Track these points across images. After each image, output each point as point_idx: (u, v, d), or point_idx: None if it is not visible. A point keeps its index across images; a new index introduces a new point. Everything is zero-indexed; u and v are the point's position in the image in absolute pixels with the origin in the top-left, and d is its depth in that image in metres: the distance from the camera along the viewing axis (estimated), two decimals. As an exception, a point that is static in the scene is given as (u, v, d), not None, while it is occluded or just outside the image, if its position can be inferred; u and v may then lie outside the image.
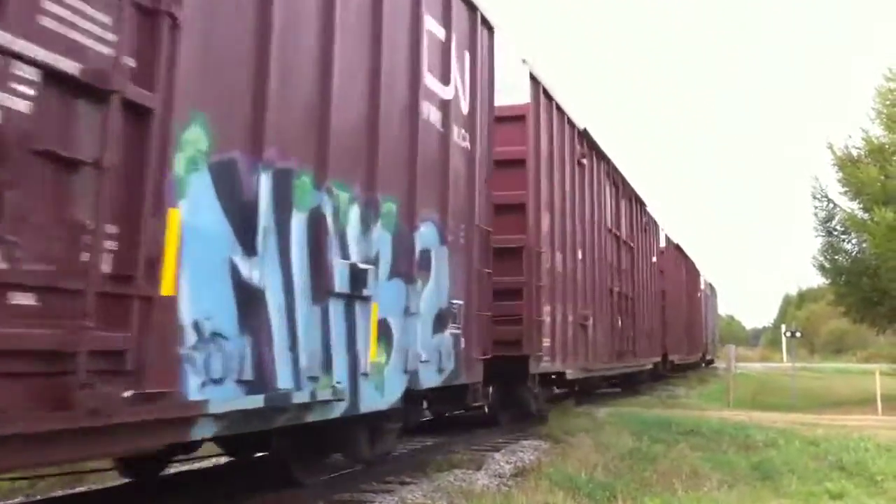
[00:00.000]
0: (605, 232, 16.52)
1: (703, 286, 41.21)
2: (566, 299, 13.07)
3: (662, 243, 27.24)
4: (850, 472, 9.52)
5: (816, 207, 27.77)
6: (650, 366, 23.54)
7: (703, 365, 44.64)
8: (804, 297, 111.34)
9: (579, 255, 14.01)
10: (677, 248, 31.72)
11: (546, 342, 11.83)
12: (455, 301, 8.24)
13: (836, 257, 27.67)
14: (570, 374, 13.15)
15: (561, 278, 12.88)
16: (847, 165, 26.15)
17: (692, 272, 37.52)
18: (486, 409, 12.56)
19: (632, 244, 20.32)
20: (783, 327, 41.05)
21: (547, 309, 11.97)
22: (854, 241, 27.48)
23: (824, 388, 29.82)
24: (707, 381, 33.10)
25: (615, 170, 18.04)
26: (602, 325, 15.93)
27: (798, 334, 32.91)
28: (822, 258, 27.88)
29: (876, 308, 26.13)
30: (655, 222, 24.96)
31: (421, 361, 7.34)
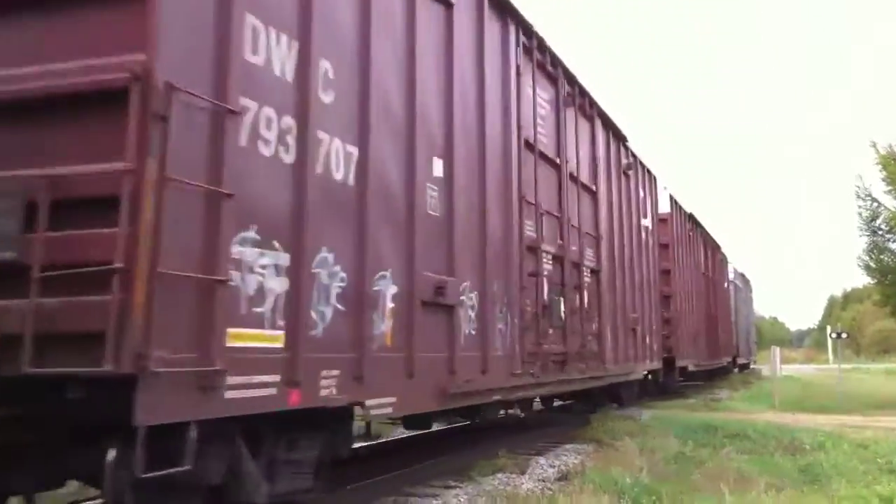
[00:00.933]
0: (700, 275, 26.12)
1: (731, 275, 34.95)
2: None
3: (664, 207, 21.40)
4: (900, 475, 9.35)
5: (860, 207, 27.32)
6: (631, 376, 15.29)
7: (735, 370, 37.69)
8: (849, 298, 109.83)
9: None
10: (691, 219, 25.48)
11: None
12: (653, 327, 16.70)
13: (882, 257, 27.18)
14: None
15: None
16: (891, 164, 25.74)
17: (715, 255, 30.86)
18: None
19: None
20: (829, 329, 40.31)
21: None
22: (900, 240, 27.01)
23: (872, 390, 29.29)
24: (750, 384, 32.67)
25: (705, 232, 27.67)
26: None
27: (844, 336, 32.35)
28: (867, 258, 27.42)
29: (924, 309, 25.70)
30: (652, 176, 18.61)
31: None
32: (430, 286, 6.76)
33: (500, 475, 8.67)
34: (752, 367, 47.27)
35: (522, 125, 9.50)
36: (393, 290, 6.22)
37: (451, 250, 7.29)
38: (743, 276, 41.42)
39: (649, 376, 18.14)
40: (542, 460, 9.99)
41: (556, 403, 16.49)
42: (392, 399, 6.13)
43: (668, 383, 21.47)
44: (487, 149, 8.36)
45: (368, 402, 5.79)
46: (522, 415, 14.10)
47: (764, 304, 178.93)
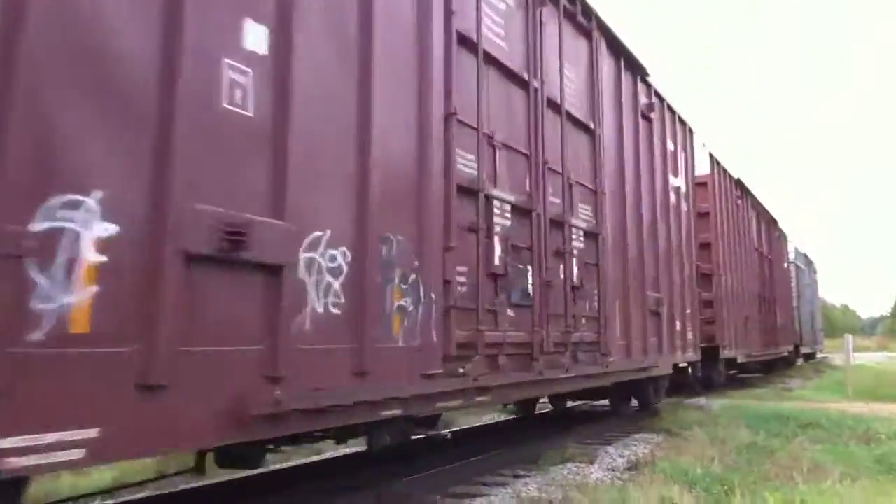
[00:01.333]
0: (753, 250, 22.73)
1: (791, 254, 30.27)
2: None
3: (703, 168, 17.36)
4: (982, 465, 9.10)
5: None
6: (653, 371, 11.88)
7: (800, 359, 32.66)
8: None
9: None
10: (738, 185, 21.16)
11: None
12: (687, 311, 13.42)
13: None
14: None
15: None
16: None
17: (770, 230, 26.69)
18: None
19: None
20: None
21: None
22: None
23: (951, 378, 28.50)
24: (822, 373, 32.05)
25: (757, 202, 24.06)
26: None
27: (919, 321, 31.56)
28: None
29: None
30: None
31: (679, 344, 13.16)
32: (211, 229, 3.82)
33: (569, 465, 8.57)
34: (818, 356, 42.84)
35: (454, 10, 6.46)
36: (109, 229, 3.37)
37: (281, 175, 4.36)
38: (806, 256, 35.15)
39: (689, 369, 15.32)
40: (611, 450, 9.91)
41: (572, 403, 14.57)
42: (86, 434, 3.22)
43: (710, 377, 17.85)
44: (376, 23, 5.32)
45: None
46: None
47: (833, 292, 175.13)
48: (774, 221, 27.91)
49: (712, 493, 7.21)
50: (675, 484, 7.31)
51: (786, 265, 28.51)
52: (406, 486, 7.14)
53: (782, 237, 30.02)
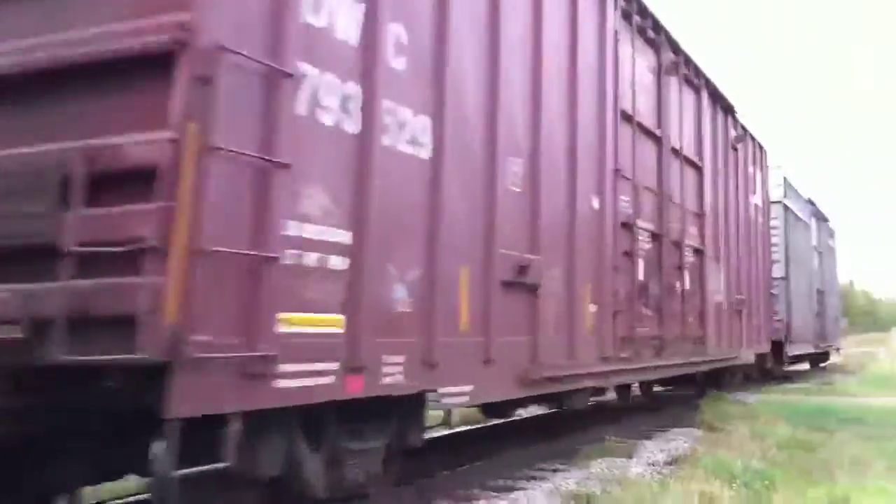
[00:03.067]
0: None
1: (774, 190, 20.44)
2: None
3: (776, 190, 20.88)
4: None
5: None
6: (737, 360, 14.71)
7: (783, 365, 21.89)
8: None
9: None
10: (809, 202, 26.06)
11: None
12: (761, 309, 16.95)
13: None
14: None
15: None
16: None
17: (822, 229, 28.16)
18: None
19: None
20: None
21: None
22: None
23: None
24: (866, 366, 31.63)
25: (824, 217, 29.35)
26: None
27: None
28: None
29: None
30: None
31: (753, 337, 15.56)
32: (510, 265, 6.55)
33: (607, 459, 8.64)
34: (833, 357, 32.78)
35: (619, 94, 9.16)
36: (469, 270, 6.03)
37: (536, 228, 7.05)
38: (813, 205, 26.77)
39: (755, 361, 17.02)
40: (649, 444, 9.91)
41: (656, 389, 16.09)
42: (468, 387, 5.99)
43: (775, 369, 20.97)
44: (579, 122, 8.01)
45: (442, 390, 5.65)
46: (618, 400, 14.01)
47: (883, 283, 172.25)
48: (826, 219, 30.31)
49: (753, 488, 7.17)
50: (715, 479, 7.28)
51: (756, 203, 17.16)
52: (445, 480, 7.17)
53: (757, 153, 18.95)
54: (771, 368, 20.35)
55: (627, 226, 9.24)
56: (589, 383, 8.26)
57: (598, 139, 8.53)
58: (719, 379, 15.20)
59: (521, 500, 6.64)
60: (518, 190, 6.80)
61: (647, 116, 10.14)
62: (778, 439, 10.04)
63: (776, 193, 20.78)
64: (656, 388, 16.15)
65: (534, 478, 7.74)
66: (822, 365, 30.38)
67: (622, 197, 9.05)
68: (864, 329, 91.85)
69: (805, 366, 27.86)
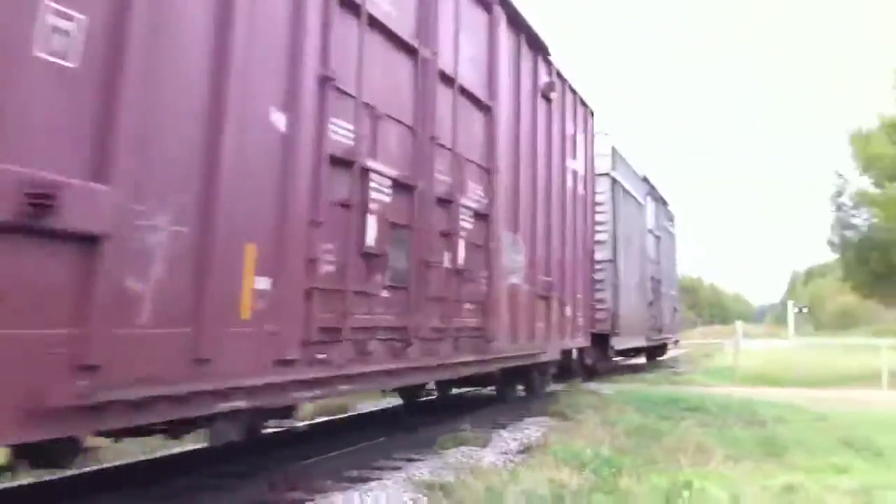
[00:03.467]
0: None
1: (582, 160, 14.70)
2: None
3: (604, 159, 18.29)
4: (856, 447, 9.53)
5: (830, 183, 27.49)
6: (541, 357, 12.02)
7: (608, 360, 19.69)
8: (812, 274, 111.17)
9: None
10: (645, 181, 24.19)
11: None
12: (579, 295, 14.03)
13: (846, 232, 27.68)
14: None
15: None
16: (859, 141, 26.21)
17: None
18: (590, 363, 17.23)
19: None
20: (790, 304, 40.65)
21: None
22: (864, 216, 27.52)
23: (831, 364, 29.74)
24: (712, 357, 33.09)
25: (662, 200, 27.42)
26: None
27: (805, 310, 32.82)
28: (832, 233, 27.77)
29: (885, 283, 26.16)
30: None
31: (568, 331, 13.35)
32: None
33: (462, 448, 8.72)
34: (672, 349, 32.40)
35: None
36: None
37: (107, 125, 3.93)
38: (648, 183, 24.78)
39: (575, 355, 14.97)
40: (504, 434, 10.07)
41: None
42: None
43: (599, 365, 18.52)
44: None
45: None
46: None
47: (730, 281, 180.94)
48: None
49: (601, 475, 7.36)
50: (565, 466, 7.45)
51: (576, 170, 14.14)
52: (299, 471, 7.08)
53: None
54: (593, 365, 17.67)
55: (346, 164, 6.31)
56: (240, 404, 5.00)
57: (287, 22, 5.61)
58: (528, 378, 13.21)
59: (374, 491, 6.60)
60: (70, 65, 3.75)
61: (395, 19, 7.25)
62: (627, 427, 10.36)
63: (603, 164, 17.77)
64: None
65: (388, 468, 7.74)
66: (659, 359, 29.02)
67: (337, 120, 6.20)
68: (711, 321, 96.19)
69: (641, 360, 27.23)
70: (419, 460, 8.14)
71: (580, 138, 14.09)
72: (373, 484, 6.90)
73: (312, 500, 6.36)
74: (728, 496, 6.44)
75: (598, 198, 17.06)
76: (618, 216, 18.87)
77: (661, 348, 28.79)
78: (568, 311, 13.12)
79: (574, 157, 13.59)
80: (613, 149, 19.12)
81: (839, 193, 27.59)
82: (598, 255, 16.75)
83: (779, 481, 7.05)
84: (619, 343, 18.67)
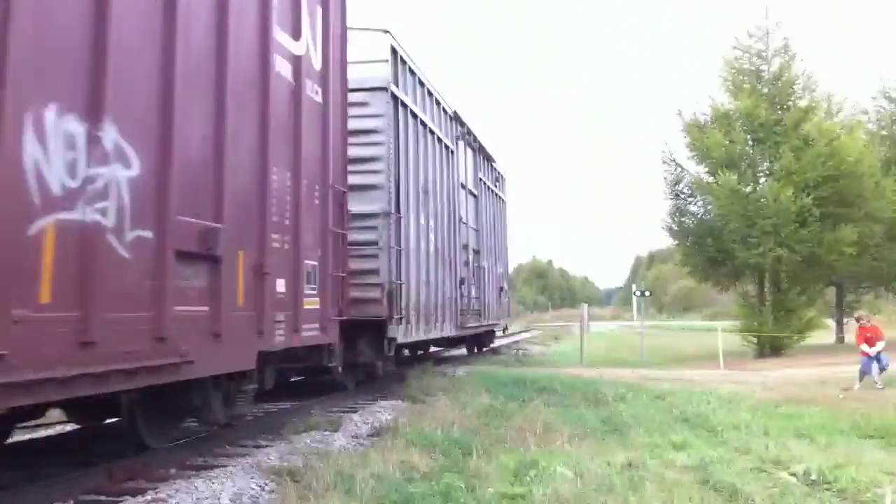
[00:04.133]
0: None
1: (308, 42, 8.92)
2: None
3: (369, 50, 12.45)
4: (693, 424, 9.96)
5: (666, 171, 28.74)
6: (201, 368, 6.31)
7: (383, 361, 13.13)
8: (654, 259, 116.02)
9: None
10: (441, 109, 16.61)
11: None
12: (309, 261, 8.78)
13: (683, 219, 28.83)
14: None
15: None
16: (694, 131, 27.32)
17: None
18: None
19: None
20: (633, 287, 42.14)
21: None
22: (700, 203, 28.78)
23: (671, 345, 31.15)
24: (562, 339, 34.03)
25: (484, 152, 21.62)
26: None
27: (648, 294, 34.09)
28: (670, 220, 28.92)
29: (719, 268, 27.42)
30: None
31: (275, 321, 7.78)
32: None
33: (313, 433, 8.65)
34: (502, 336, 29.76)
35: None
36: None
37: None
38: (464, 127, 19.10)
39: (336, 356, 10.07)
40: (355, 417, 10.04)
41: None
42: None
43: (371, 367, 12.99)
44: None
45: None
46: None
47: (576, 265, 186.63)
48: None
49: (451, 456, 7.44)
50: (415, 448, 7.49)
51: (289, 52, 8.60)
52: (139, 461, 6.84)
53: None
54: (372, 366, 12.79)
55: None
56: None
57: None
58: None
59: (219, 478, 6.44)
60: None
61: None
62: (477, 408, 10.50)
63: (377, 73, 12.63)
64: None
65: (235, 455, 7.57)
66: (483, 350, 24.67)
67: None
68: (561, 305, 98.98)
69: (460, 351, 23.86)
70: (267, 446, 8.00)
71: (310, 6, 9.07)
72: (218, 471, 6.74)
73: (155, 488, 6.15)
74: (572, 473, 6.60)
75: (368, 122, 12.29)
76: (404, 154, 13.38)
77: (484, 337, 24.21)
78: (279, 285, 7.99)
79: (293, 31, 8.55)
80: (395, 52, 13.15)
81: (677, 181, 28.74)
82: (363, 205, 11.91)
83: (621, 458, 7.30)
84: (403, 333, 12.88)
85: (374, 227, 12.20)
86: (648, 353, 24.90)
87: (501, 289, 24.47)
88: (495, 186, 23.87)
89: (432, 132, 15.54)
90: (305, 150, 8.64)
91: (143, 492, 6.07)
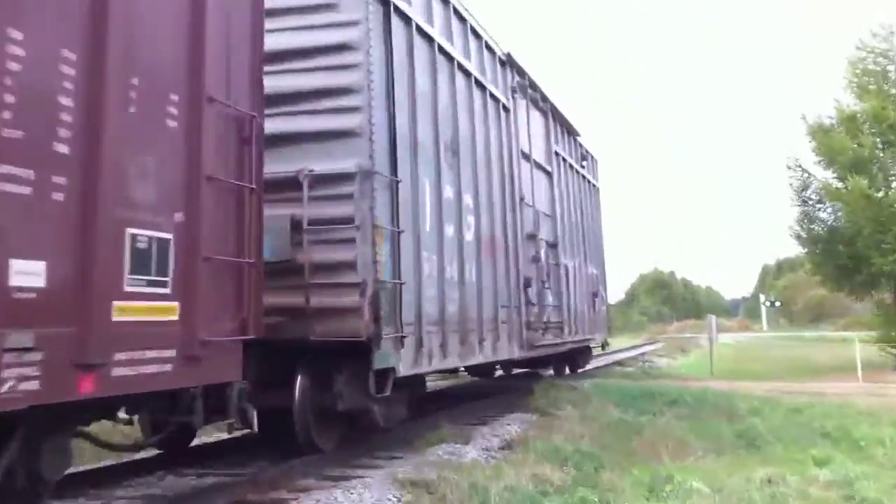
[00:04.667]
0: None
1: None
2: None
3: None
4: (834, 439, 9.63)
5: (791, 177, 27.86)
6: None
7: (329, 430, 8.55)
8: (782, 267, 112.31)
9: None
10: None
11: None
12: (143, 230, 4.92)
13: (812, 226, 27.84)
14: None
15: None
16: (820, 135, 26.40)
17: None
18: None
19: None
20: (762, 297, 40.91)
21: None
22: (829, 209, 27.72)
23: (805, 357, 30.10)
24: (689, 352, 33.35)
25: (560, 118, 16.66)
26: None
27: (777, 304, 33.10)
28: (798, 228, 28.00)
29: (853, 276, 26.34)
30: None
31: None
32: None
33: (444, 445, 8.72)
34: (597, 358, 23.48)
35: None
36: None
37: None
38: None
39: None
40: (485, 430, 10.09)
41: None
42: None
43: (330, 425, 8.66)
44: None
45: None
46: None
47: (701, 275, 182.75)
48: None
49: (583, 469, 7.41)
50: (547, 462, 7.49)
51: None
52: (281, 471, 7.06)
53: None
54: (334, 420, 8.32)
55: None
56: None
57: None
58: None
59: (357, 489, 6.59)
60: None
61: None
62: (606, 422, 10.42)
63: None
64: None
65: (370, 466, 7.73)
66: (577, 371, 20.05)
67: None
68: (685, 315, 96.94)
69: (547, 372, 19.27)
70: (401, 458, 8.13)
71: None
72: (355, 482, 6.89)
73: (297, 498, 6.35)
74: (709, 489, 6.49)
75: (334, 34, 8.21)
76: (406, 88, 8.94)
77: (577, 355, 19.21)
78: (22, 272, 4.01)
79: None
80: None
81: (804, 187, 27.78)
82: (329, 162, 7.85)
83: (760, 473, 7.11)
84: (411, 360, 8.39)
85: (349, 197, 7.73)
86: (781, 366, 24.15)
87: (595, 294, 19.01)
88: (580, 166, 18.72)
89: (467, 73, 11.07)
90: (127, 23, 4.79)
91: (285, 502, 6.29)
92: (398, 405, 8.79)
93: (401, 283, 8.14)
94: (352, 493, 6.48)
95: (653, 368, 23.92)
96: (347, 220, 7.66)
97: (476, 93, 11.32)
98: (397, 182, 8.32)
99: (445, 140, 9.92)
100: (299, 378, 7.80)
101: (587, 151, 19.77)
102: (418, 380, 9.59)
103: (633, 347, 31.04)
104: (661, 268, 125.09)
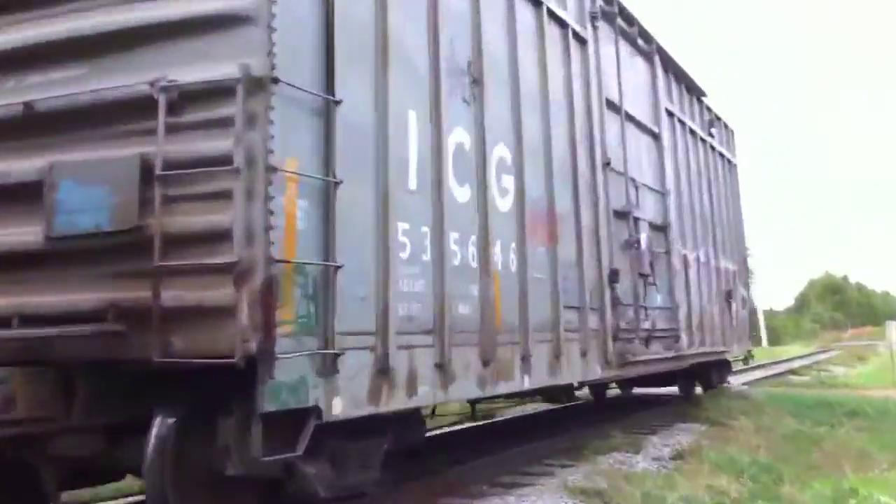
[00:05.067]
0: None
1: None
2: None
3: None
4: None
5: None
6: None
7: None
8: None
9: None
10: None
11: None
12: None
13: None
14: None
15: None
16: None
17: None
18: None
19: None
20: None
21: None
22: None
23: None
24: (866, 360, 31.73)
25: (674, 67, 12.62)
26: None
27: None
28: None
29: None
30: None
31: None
32: None
33: (614, 454, 8.67)
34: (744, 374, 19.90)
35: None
36: None
37: None
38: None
39: None
40: (655, 439, 9.96)
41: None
42: None
43: None
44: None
45: None
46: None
47: (875, 278, 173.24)
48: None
49: (760, 481, 7.21)
50: (722, 473, 7.33)
51: None
52: (452, 477, 7.20)
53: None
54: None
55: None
56: None
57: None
58: None
59: (530, 496, 6.66)
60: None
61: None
62: (783, 432, 10.11)
63: None
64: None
65: (541, 473, 7.77)
66: (709, 389, 14.88)
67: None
68: (861, 322, 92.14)
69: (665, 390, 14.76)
70: (571, 466, 8.14)
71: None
72: (528, 489, 6.96)
73: (471, 504, 6.47)
74: (897, 503, 6.23)
75: None
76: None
77: (711, 370, 14.46)
78: None
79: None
80: None
81: None
82: (189, 72, 4.39)
83: (954, 490, 6.75)
84: (347, 395, 4.62)
85: (228, 123, 4.23)
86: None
87: (729, 294, 14.58)
88: (708, 134, 14.68)
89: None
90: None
91: (461, 508, 6.42)
92: (359, 461, 5.16)
93: (335, 266, 4.56)
94: (524, 501, 6.55)
95: (828, 377, 22.90)
96: (224, 161, 4.18)
97: (521, 3, 7.55)
98: (335, 102, 4.73)
99: (456, 57, 6.30)
100: (156, 422, 4.39)
101: (718, 118, 15.57)
102: (404, 418, 5.65)
103: (809, 355, 29.58)
104: (833, 272, 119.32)
